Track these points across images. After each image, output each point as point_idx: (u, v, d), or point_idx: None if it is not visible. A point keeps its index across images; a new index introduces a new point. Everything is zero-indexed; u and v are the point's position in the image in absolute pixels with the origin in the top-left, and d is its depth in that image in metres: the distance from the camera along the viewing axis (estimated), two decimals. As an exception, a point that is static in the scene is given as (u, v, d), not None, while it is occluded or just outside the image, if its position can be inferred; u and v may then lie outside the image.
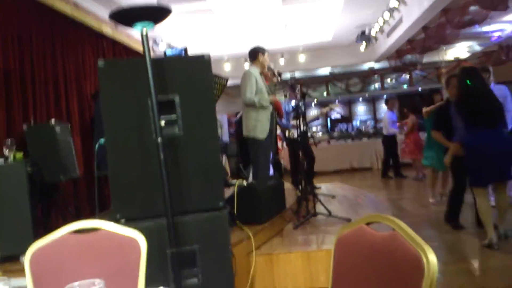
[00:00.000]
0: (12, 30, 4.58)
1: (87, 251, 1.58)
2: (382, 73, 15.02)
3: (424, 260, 1.13)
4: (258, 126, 4.73)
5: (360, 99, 16.78)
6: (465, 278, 3.51)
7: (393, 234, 1.23)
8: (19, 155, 3.59)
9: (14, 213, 3.36)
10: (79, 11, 5.95)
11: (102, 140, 3.00)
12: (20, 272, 2.90)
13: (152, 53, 2.21)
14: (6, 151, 3.48)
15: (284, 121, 6.28)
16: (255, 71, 4.82)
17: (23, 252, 3.16)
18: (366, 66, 14.40)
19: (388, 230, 1.28)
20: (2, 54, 4.38)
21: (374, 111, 16.95)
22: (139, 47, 7.71)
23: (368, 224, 1.37)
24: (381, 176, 10.01)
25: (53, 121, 4.30)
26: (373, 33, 10.73)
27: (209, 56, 2.52)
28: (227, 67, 12.52)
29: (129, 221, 2.40)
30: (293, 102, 5.98)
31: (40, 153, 4.07)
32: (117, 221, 2.40)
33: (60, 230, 1.58)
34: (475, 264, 3.95)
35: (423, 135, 8.73)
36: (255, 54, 4.91)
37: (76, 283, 0.85)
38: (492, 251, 3.98)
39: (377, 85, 15.47)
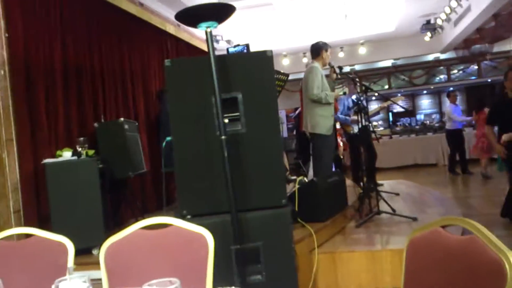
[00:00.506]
0: (81, 29, 4.81)
1: (157, 246, 1.63)
2: (448, 64, 14.30)
3: (507, 265, 1.06)
4: (324, 122, 4.70)
5: (425, 91, 16.09)
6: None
7: (471, 238, 1.16)
8: (91, 152, 3.78)
9: (86, 207, 3.55)
10: (144, 11, 6.16)
11: (168, 138, 3.09)
12: (93, 264, 3.07)
13: (214, 52, 2.24)
14: (79, 149, 3.68)
15: (341, 116, 6.16)
16: (320, 67, 4.80)
17: (95, 245, 3.38)
18: (431, 57, 13.77)
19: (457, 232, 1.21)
20: (74, 53, 4.62)
21: (439, 104, 16.18)
22: (200, 44, 7.88)
23: (443, 227, 1.30)
24: (448, 170, 9.56)
25: (122, 118, 4.49)
26: (439, 22, 10.24)
27: (271, 52, 2.52)
28: (285, 62, 12.48)
29: (195, 217, 2.46)
30: (353, 97, 5.86)
31: (110, 149, 4.26)
32: (183, 217, 2.47)
33: (132, 226, 1.64)
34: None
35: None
36: (318, 51, 4.85)
37: (154, 281, 0.87)
38: None
39: (442, 77, 14.76)
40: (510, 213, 4.80)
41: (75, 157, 3.66)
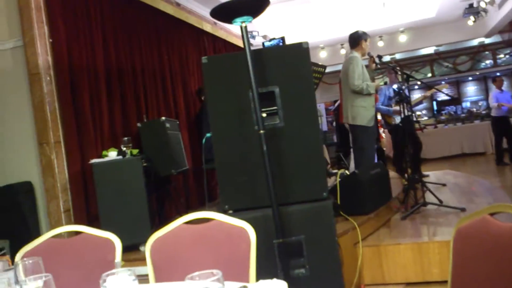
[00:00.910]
0: (121, 31, 4.94)
1: (200, 240, 1.65)
2: (494, 49, 13.69)
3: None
4: (365, 113, 4.63)
5: (470, 78, 15.47)
6: None
7: (523, 226, 1.11)
8: (135, 151, 3.88)
9: (132, 205, 3.66)
10: (180, 11, 6.26)
11: (208, 134, 3.13)
12: (140, 260, 3.16)
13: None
14: (123, 148, 3.79)
15: (382, 106, 6.02)
16: (360, 57, 4.72)
17: (142, 241, 3.47)
18: (476, 42, 13.22)
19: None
20: (115, 56, 4.75)
21: (486, 91, 15.52)
22: (237, 41, 7.92)
23: (492, 214, 1.25)
24: (496, 163, 9.14)
25: (163, 117, 4.58)
26: (482, 6, 9.80)
27: (307, 44, 2.49)
28: (322, 55, 12.32)
29: (236, 212, 2.48)
30: (394, 86, 5.71)
31: (153, 148, 4.37)
32: (225, 212, 2.49)
33: (176, 221, 1.67)
34: None
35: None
36: (357, 40, 4.75)
37: (196, 273, 0.88)
38: None
39: (488, 62, 14.15)
40: None
41: (120, 157, 3.77)
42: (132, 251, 3.48)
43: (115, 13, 4.88)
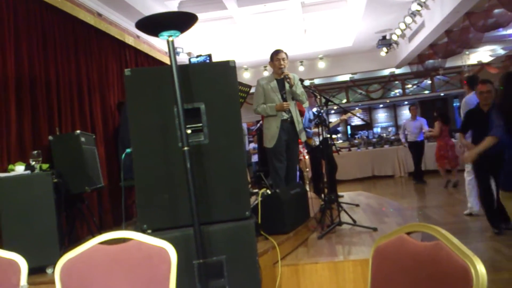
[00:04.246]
0: (37, 39, 4.64)
1: (116, 262, 1.55)
2: (403, 79, 14.84)
3: (473, 271, 1.08)
4: (267, 135, 4.69)
5: (381, 105, 16.59)
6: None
7: (437, 244, 1.17)
8: (45, 166, 3.62)
9: (40, 224, 3.37)
10: (102, 21, 6.03)
11: (128, 150, 3.00)
12: (48, 284, 2.91)
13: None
14: (32, 162, 3.51)
15: (306, 123, 6.14)
16: (265, 79, 4.78)
17: (49, 263, 3.21)
18: (387, 72, 14.25)
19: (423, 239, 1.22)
20: (28, 63, 4.44)
21: (395, 117, 16.73)
22: (161, 57, 7.78)
23: (408, 233, 1.31)
24: (414, 181, 10.01)
25: (78, 131, 4.34)
26: (394, 38, 10.62)
27: (234, 63, 2.50)
28: (246, 75, 12.54)
29: (155, 232, 2.38)
30: (314, 109, 5.92)
31: (65, 163, 4.10)
32: (143, 231, 2.38)
33: (90, 241, 1.56)
34: None
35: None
36: (269, 60, 4.85)
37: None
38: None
39: (398, 91, 15.29)
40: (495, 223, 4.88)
41: (28, 171, 3.49)
42: (38, 273, 3.19)
43: (30, 19, 4.57)
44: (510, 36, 11.44)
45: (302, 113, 5.86)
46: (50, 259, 3.18)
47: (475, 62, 13.33)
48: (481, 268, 1.07)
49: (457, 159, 8.61)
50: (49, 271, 3.24)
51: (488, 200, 4.92)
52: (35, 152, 3.56)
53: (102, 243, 1.58)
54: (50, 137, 4.31)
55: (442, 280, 1.14)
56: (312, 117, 6.16)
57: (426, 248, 1.20)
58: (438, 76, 14.15)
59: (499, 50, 13.12)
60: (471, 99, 5.48)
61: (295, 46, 10.87)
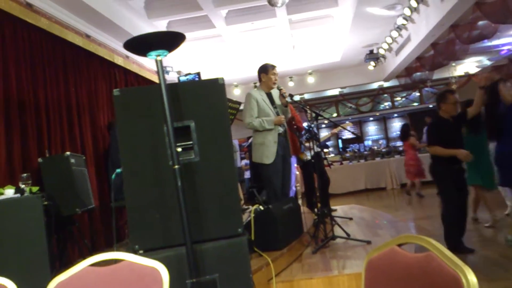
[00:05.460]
0: (25, 60, 4.64)
1: (108, 283, 1.53)
2: (392, 92, 15.00)
3: (464, 281, 1.08)
4: (263, 150, 4.49)
5: (371, 118, 16.71)
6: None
7: (428, 255, 1.18)
8: (35, 188, 3.58)
9: (30, 248, 3.33)
10: (90, 43, 6.05)
11: (119, 170, 2.98)
12: (39, 308, 2.85)
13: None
14: (22, 185, 3.48)
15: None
16: (258, 92, 4.65)
17: (40, 287, 3.14)
18: (376, 85, 14.40)
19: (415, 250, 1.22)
20: (16, 85, 4.43)
21: (385, 130, 16.85)
22: (150, 76, 7.81)
23: (399, 245, 1.31)
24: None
25: (68, 152, 4.31)
26: (381, 52, 10.77)
27: (223, 80, 2.51)
28: (236, 92, 12.61)
29: (147, 252, 2.36)
30: (305, 124, 5.95)
31: (55, 185, 4.07)
32: (135, 252, 2.35)
33: (81, 263, 1.54)
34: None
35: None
36: (259, 75, 4.77)
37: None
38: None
39: (387, 104, 15.44)
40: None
41: (18, 195, 3.45)
42: (28, 299, 3.14)
43: (18, 41, 4.58)
44: (496, 47, 11.66)
45: (300, 130, 5.85)
46: (41, 282, 3.10)
47: (462, 74, 13.54)
48: (472, 278, 1.07)
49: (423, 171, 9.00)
50: (40, 295, 3.18)
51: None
52: (25, 175, 3.54)
53: (93, 265, 1.56)
54: (40, 159, 4.29)
55: (435, 291, 1.14)
56: (302, 132, 6.19)
57: (418, 260, 1.20)
58: (426, 88, 14.33)
59: (485, 61, 13.36)
60: None
61: (284, 62, 10.97)
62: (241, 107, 4.91)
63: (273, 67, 4.73)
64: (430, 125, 4.90)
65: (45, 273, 3.29)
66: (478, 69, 13.57)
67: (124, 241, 5.40)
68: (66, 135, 5.23)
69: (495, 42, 10.71)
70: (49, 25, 5.05)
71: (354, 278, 3.27)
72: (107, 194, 5.69)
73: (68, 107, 5.38)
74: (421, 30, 8.42)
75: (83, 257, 4.07)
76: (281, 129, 4.61)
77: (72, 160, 4.29)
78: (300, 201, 6.51)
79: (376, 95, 15.02)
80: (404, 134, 9.35)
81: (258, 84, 4.89)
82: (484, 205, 5.82)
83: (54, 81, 5.16)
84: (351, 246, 4.19)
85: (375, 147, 14.98)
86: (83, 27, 6.00)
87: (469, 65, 13.49)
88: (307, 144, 5.78)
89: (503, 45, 11.47)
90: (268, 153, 4.49)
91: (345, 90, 14.56)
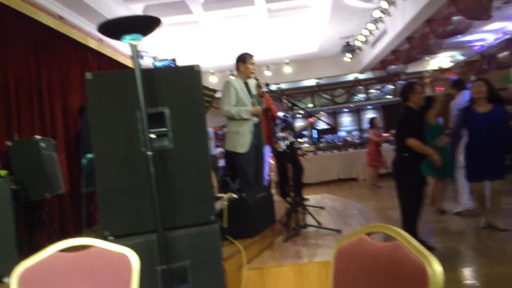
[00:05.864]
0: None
1: (76, 269, 1.52)
2: (366, 84, 15.18)
3: (429, 270, 1.11)
4: (238, 139, 4.53)
5: (345, 110, 16.90)
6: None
7: (396, 244, 1.21)
8: (4, 172, 3.50)
9: (-3, 232, 3.26)
10: (63, 25, 5.89)
11: (90, 155, 2.94)
12: (5, 293, 2.81)
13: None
14: (-11, 168, 3.39)
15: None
16: (236, 81, 4.66)
17: (7, 272, 3.08)
18: (351, 77, 14.54)
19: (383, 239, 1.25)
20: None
21: (359, 121, 17.08)
22: (124, 60, 7.66)
23: (368, 234, 1.34)
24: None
25: (37, 136, 4.21)
26: (358, 44, 10.85)
27: (199, 67, 2.49)
28: (213, 80, 12.52)
29: (118, 238, 2.34)
30: (280, 114, 5.96)
31: (24, 169, 3.97)
32: (105, 238, 2.33)
33: (49, 248, 1.52)
34: (467, 271, 3.96)
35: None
36: (236, 64, 4.76)
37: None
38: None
39: (362, 96, 15.62)
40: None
41: (-16, 178, 3.37)
42: (-5, 284, 3.08)
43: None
44: (469, 43, 11.91)
45: (275, 119, 5.86)
46: (8, 268, 3.06)
47: (436, 68, 13.79)
48: (437, 267, 1.11)
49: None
50: (6, 280, 3.13)
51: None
52: (-8, 158, 3.45)
53: (61, 250, 1.54)
54: (9, 143, 4.17)
55: (400, 279, 1.17)
56: (278, 121, 6.20)
57: (385, 248, 1.24)
58: (400, 81, 14.55)
59: (459, 56, 13.64)
60: (461, 100, 5.71)
61: (261, 50, 10.93)
62: (217, 95, 4.89)
63: (251, 56, 4.71)
64: (403, 118, 4.94)
65: (13, 258, 3.23)
66: (451, 64, 13.85)
67: (94, 227, 5.33)
68: (37, 118, 5.10)
69: (468, 37, 10.94)
70: (20, 4, 4.88)
71: (324, 266, 3.33)
72: (78, 179, 5.60)
73: (39, 90, 5.24)
74: (397, 23, 8.52)
75: (52, 242, 4.01)
76: (256, 120, 4.63)
77: (42, 144, 4.19)
78: (273, 190, 6.55)
79: (351, 87, 15.17)
80: (370, 125, 10.25)
81: (234, 72, 4.86)
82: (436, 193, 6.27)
83: (25, 63, 5.01)
84: (322, 235, 4.25)
85: (349, 138, 15.17)
86: (57, 8, 5.83)
87: (443, 60, 13.76)
88: (282, 134, 5.80)
89: (476, 40, 11.72)
90: (242, 142, 4.52)
91: (322, 81, 14.65)
